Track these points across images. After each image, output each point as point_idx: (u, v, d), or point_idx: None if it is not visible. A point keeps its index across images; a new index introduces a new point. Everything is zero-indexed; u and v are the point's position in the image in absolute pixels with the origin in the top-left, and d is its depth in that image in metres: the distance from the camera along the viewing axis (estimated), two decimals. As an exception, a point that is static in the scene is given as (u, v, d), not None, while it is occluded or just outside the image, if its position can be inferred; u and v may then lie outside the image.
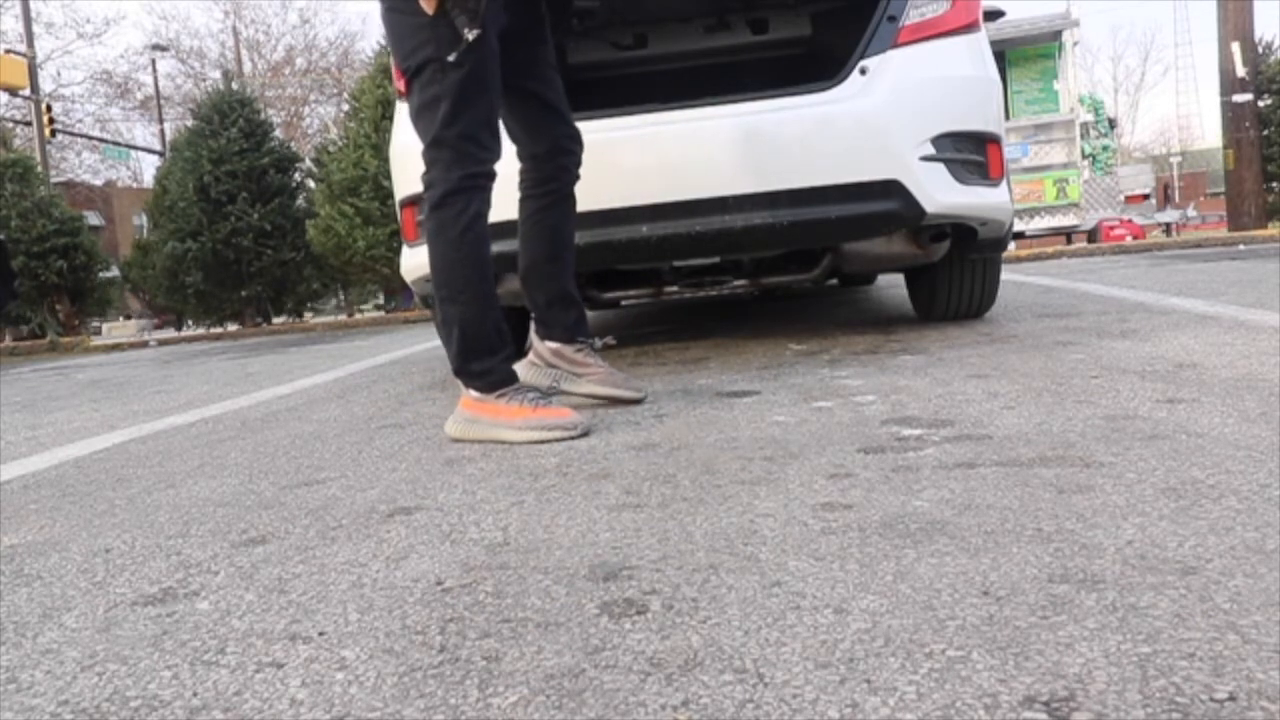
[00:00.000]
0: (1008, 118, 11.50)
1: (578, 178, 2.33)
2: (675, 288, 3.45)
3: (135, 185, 32.93)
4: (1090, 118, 17.37)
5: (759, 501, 1.37)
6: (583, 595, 1.07)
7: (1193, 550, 1.03)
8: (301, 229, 12.38)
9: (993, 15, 5.95)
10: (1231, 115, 12.60)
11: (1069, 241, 14.03)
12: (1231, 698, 0.73)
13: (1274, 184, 13.90)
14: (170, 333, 15.23)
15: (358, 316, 14.46)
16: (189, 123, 14.63)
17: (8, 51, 18.05)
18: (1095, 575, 0.99)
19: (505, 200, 2.16)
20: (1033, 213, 13.12)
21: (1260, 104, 13.11)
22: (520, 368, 2.36)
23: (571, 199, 2.34)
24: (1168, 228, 22.42)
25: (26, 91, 18.60)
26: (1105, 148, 18.22)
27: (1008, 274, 6.61)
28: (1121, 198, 16.76)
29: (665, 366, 3.02)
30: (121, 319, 17.20)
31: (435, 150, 2.04)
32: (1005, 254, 4.38)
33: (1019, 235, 12.71)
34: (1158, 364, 2.22)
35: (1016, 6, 8.55)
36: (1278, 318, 2.85)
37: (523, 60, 2.20)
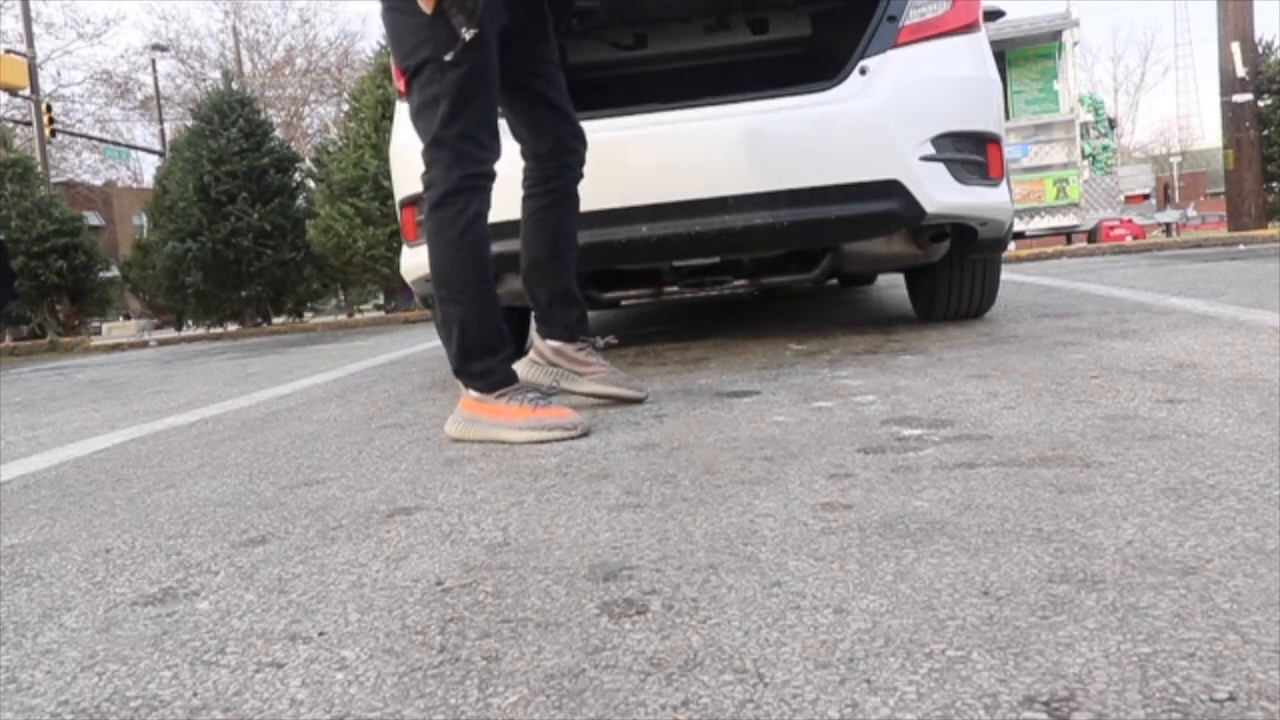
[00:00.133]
0: (1008, 118, 11.51)
1: (581, 176, 2.33)
2: (675, 288, 3.45)
3: (135, 185, 32.94)
4: (1090, 118, 17.37)
5: (759, 501, 1.37)
6: (583, 595, 1.07)
7: (1193, 550, 1.03)
8: (301, 229, 12.38)
9: (993, 15, 5.95)
10: (1231, 115, 12.60)
11: (1069, 241, 14.03)
12: (1231, 698, 0.73)
13: (1274, 184, 13.90)
14: (170, 333, 15.23)
15: (358, 316, 14.46)
16: (189, 123, 14.63)
17: (8, 51, 18.05)
18: (1095, 575, 0.99)
19: (505, 200, 2.16)
20: (1033, 213, 13.12)
21: (1260, 104, 13.10)
22: (521, 366, 2.36)
23: (575, 197, 2.33)
24: (1168, 228, 22.42)
25: (26, 91, 18.60)
26: (1105, 148, 18.22)
27: (1008, 274, 6.61)
28: (1121, 198, 16.77)
29: (665, 366, 3.01)
30: (121, 319, 17.21)
31: (435, 150, 2.04)
32: (1005, 254, 4.38)
33: (1019, 235, 12.72)
34: (1158, 364, 2.22)
35: (1016, 6, 8.55)
36: (1278, 318, 2.85)
37: (525, 58, 2.20)
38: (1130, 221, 19.42)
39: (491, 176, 2.08)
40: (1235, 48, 12.30)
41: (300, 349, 6.83)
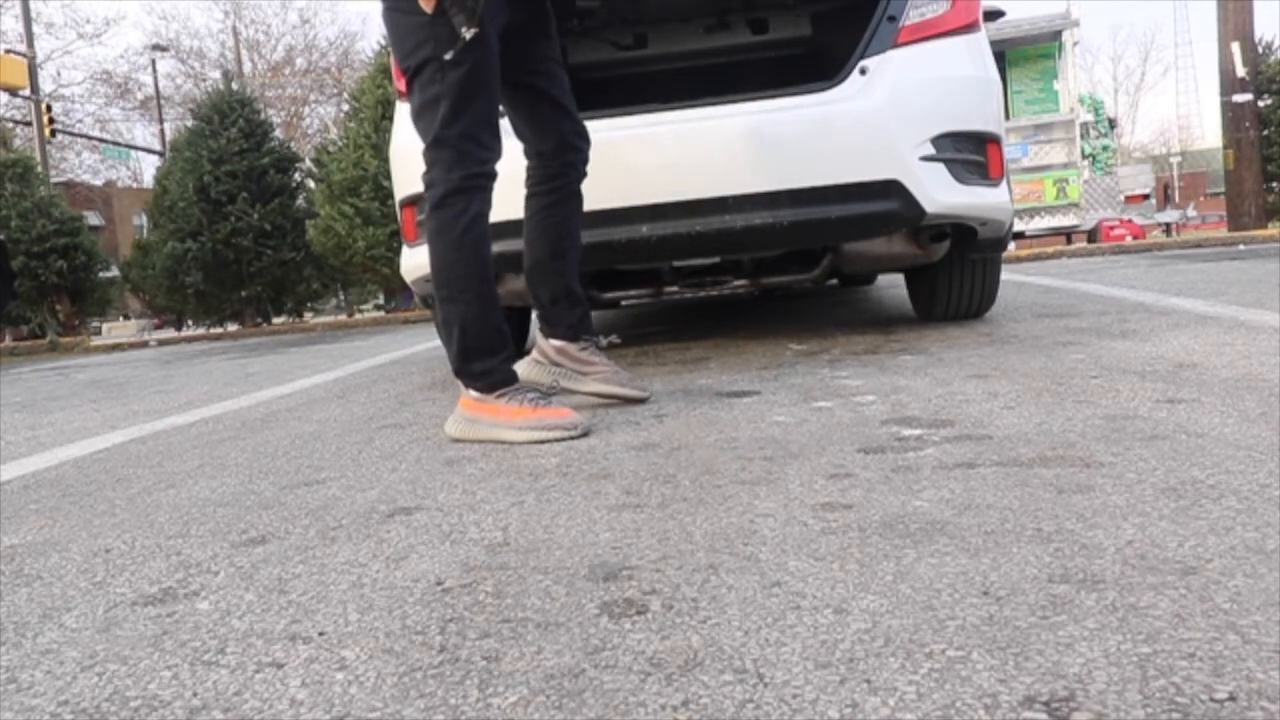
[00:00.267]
0: (1008, 118, 11.51)
1: (585, 175, 2.33)
2: (675, 288, 3.45)
3: (135, 185, 32.95)
4: (1090, 118, 17.38)
5: (759, 501, 1.37)
6: (583, 595, 1.07)
7: (1193, 550, 1.03)
8: (301, 229, 12.38)
9: (993, 15, 5.95)
10: (1231, 115, 12.60)
11: (1069, 241, 14.04)
12: (1231, 698, 0.73)
13: (1274, 184, 13.90)
14: (170, 333, 15.23)
15: (358, 316, 14.46)
16: (189, 123, 14.63)
17: (8, 51, 18.05)
18: (1095, 575, 0.99)
19: (506, 199, 2.16)
20: (1033, 213, 13.12)
21: (1260, 104, 13.11)
22: (524, 366, 2.35)
23: (578, 196, 2.33)
24: (1168, 228, 22.42)
25: (26, 91, 18.61)
26: (1105, 148, 18.22)
27: (1008, 274, 6.61)
28: (1121, 198, 16.77)
29: (665, 366, 3.01)
30: (121, 319, 17.21)
31: (436, 150, 2.04)
32: (1005, 254, 4.38)
33: (1019, 235, 12.72)
34: (1158, 364, 2.22)
35: (1016, 6, 8.55)
36: (1278, 318, 2.85)
37: (527, 56, 2.20)
38: (1130, 221, 19.42)
39: (493, 176, 2.08)
40: (1235, 48, 12.30)
41: (300, 349, 6.83)
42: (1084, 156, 15.13)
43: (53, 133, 19.42)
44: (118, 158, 29.49)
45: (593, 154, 2.34)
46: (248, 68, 31.61)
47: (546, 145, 2.27)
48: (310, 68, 33.24)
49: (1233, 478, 1.28)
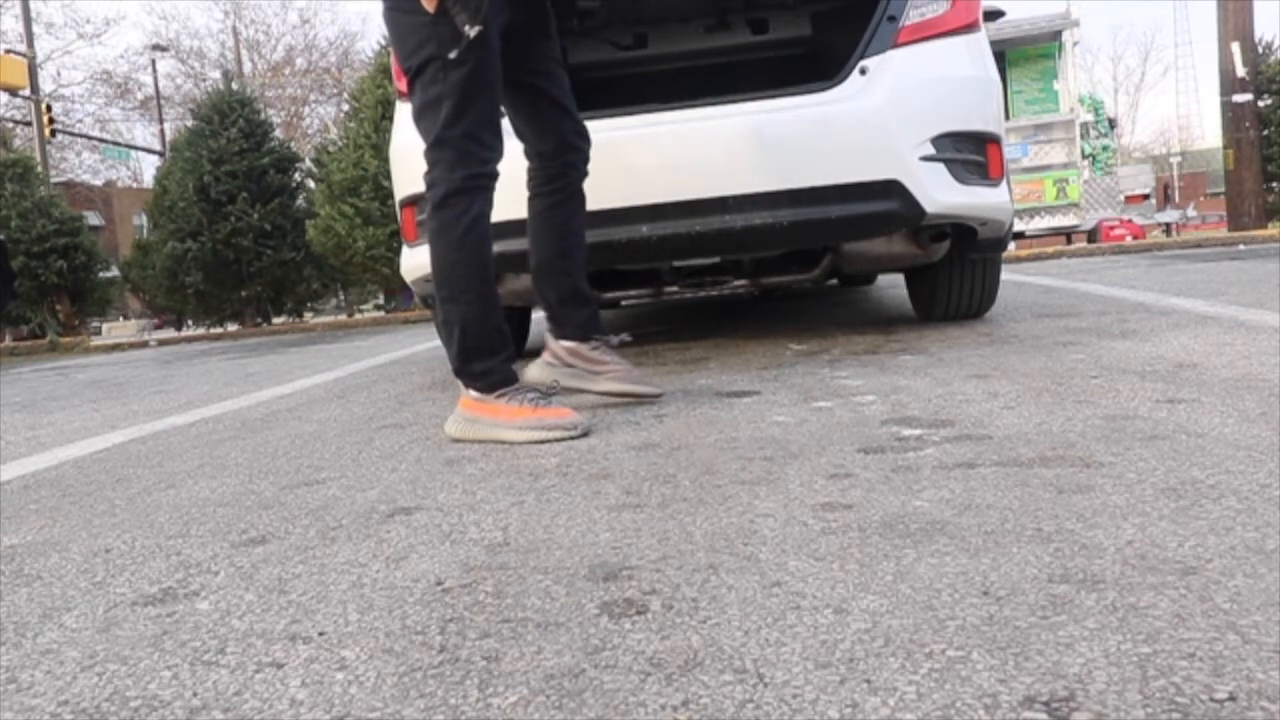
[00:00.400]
0: (1008, 118, 11.51)
1: (586, 174, 2.33)
2: (675, 288, 3.45)
3: (135, 185, 32.96)
4: (1090, 118, 17.37)
5: (759, 501, 1.37)
6: (583, 595, 1.07)
7: (1193, 550, 1.03)
8: (301, 229, 12.38)
9: (993, 15, 5.95)
10: (1231, 115, 12.60)
11: (1069, 241, 14.04)
12: (1231, 698, 0.73)
13: (1274, 184, 13.90)
14: (170, 333, 15.23)
15: (358, 316, 14.46)
16: (189, 123, 14.63)
17: (8, 51, 18.05)
18: (1095, 575, 0.99)
19: (507, 199, 2.15)
20: (1033, 213, 13.12)
21: (1260, 104, 13.11)
22: (536, 368, 2.35)
23: (580, 195, 2.33)
24: (1168, 228, 22.42)
25: (26, 91, 18.61)
26: (1105, 148, 18.22)
27: (1008, 274, 6.61)
28: (1121, 198, 16.77)
29: (665, 366, 3.01)
30: (120, 319, 17.21)
31: (438, 150, 2.04)
32: (1005, 254, 4.38)
33: (1019, 235, 12.72)
34: (1158, 364, 2.22)
35: (1016, 6, 8.55)
36: (1278, 318, 2.85)
37: (527, 55, 2.20)
38: (1130, 221, 19.42)
39: (494, 176, 2.08)
40: (1235, 48, 12.30)
41: (300, 349, 6.83)
42: (1084, 156, 15.13)
43: (53, 133, 19.42)
44: (118, 158, 29.49)
45: (593, 154, 2.34)
46: (248, 68, 31.61)
47: (547, 145, 2.27)
48: (310, 68, 33.26)
49: (1233, 478, 1.28)
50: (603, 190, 2.52)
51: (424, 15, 1.95)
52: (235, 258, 12.89)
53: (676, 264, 3.20)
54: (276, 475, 1.92)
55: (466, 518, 1.44)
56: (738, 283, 3.43)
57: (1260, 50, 13.57)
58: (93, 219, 22.21)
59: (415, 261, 3.06)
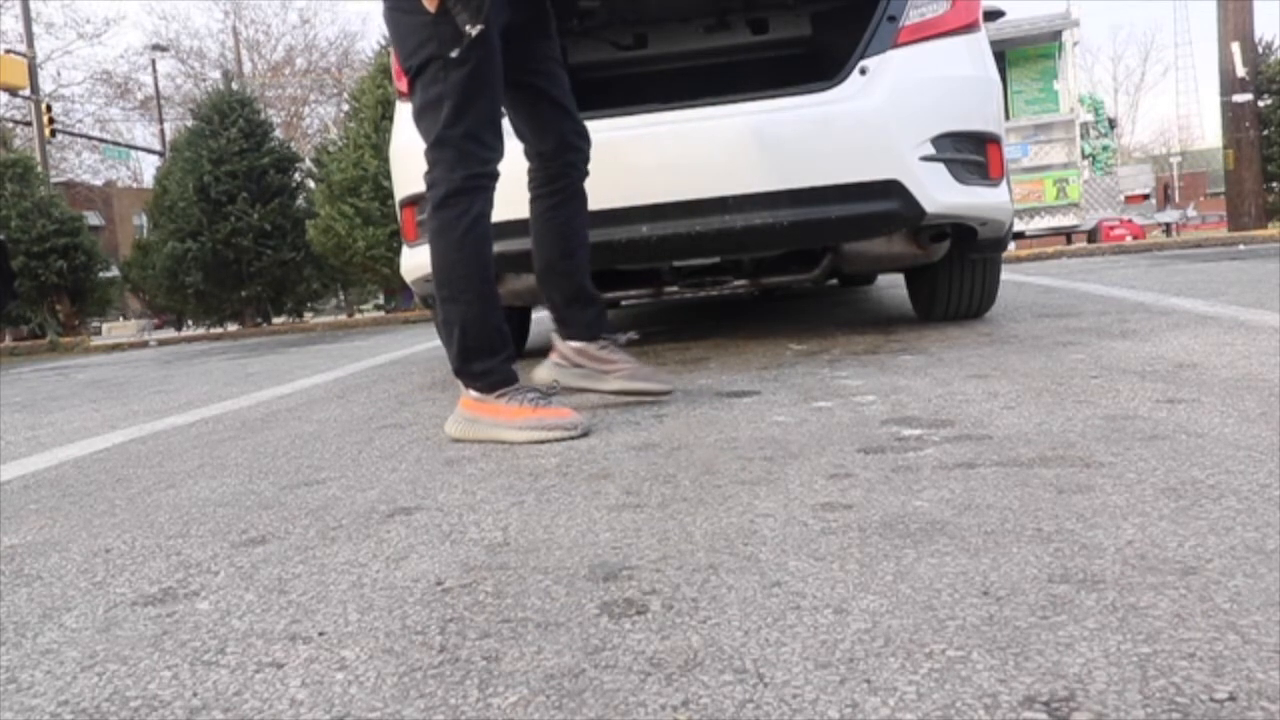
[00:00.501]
0: (1008, 118, 11.51)
1: (587, 174, 2.32)
2: (675, 288, 3.45)
3: (135, 185, 32.96)
4: (1090, 118, 17.37)
5: (759, 501, 1.37)
6: (583, 595, 1.07)
7: (1193, 550, 1.03)
8: (301, 229, 12.38)
9: (993, 15, 5.95)
10: (1231, 115, 12.60)
11: (1069, 241, 14.04)
12: (1231, 698, 0.73)
13: (1274, 184, 13.90)
14: (170, 333, 15.23)
15: (358, 316, 14.46)
16: (189, 123, 14.64)
17: (8, 51, 18.05)
18: (1095, 575, 0.99)
19: (507, 199, 2.15)
20: (1033, 213, 13.13)
21: (1260, 104, 13.11)
22: (545, 369, 2.34)
23: (582, 195, 2.32)
24: (1168, 228, 22.42)
25: (26, 91, 18.61)
26: (1105, 148, 18.22)
27: (1008, 274, 6.61)
28: (1121, 198, 16.77)
29: (665, 366, 3.01)
30: (121, 319, 17.21)
31: (438, 150, 2.04)
32: (1005, 254, 4.38)
33: (1019, 235, 12.72)
34: (1158, 364, 2.22)
35: (1016, 6, 8.55)
36: (1278, 318, 2.85)
37: (527, 55, 2.20)
38: (1130, 221, 19.42)
39: (495, 176, 2.08)
40: (1235, 48, 12.30)
41: (300, 349, 6.83)
42: (1084, 156, 15.13)
43: (53, 133, 19.42)
44: (118, 158, 29.50)
45: (593, 154, 2.34)
46: (248, 68, 31.62)
47: (547, 145, 2.27)
48: (310, 68, 33.26)
49: (1233, 478, 1.28)
50: (603, 190, 2.52)
51: (425, 15, 1.95)
52: (235, 258, 12.89)
53: (676, 264, 3.20)
54: (276, 475, 1.92)
55: (466, 518, 1.44)
56: (738, 283, 3.43)
57: (1260, 50, 13.57)
58: (93, 219, 22.22)
59: (415, 261, 3.06)
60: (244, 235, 12.75)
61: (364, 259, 11.15)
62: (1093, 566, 1.01)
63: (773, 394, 2.30)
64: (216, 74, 23.74)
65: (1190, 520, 1.13)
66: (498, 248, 2.14)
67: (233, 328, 13.14)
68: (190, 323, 15.62)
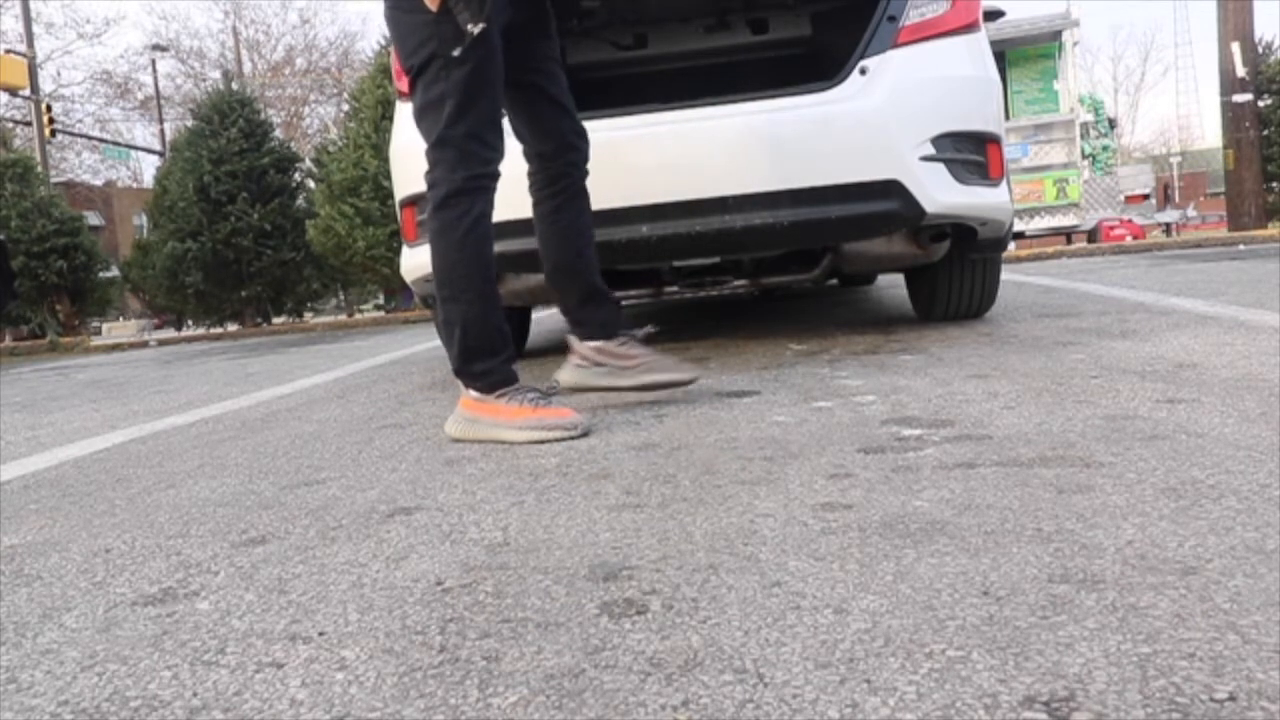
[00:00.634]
0: (1008, 118, 11.51)
1: (587, 173, 2.32)
2: (675, 288, 3.45)
3: (135, 185, 32.97)
4: (1090, 118, 17.38)
5: (759, 501, 1.37)
6: (583, 595, 1.07)
7: (1193, 550, 1.03)
8: (301, 229, 12.38)
9: (993, 15, 5.96)
10: (1231, 115, 12.60)
11: (1069, 241, 14.04)
12: (1231, 698, 0.73)
13: (1274, 184, 13.90)
14: (170, 333, 15.23)
15: (358, 316, 14.46)
16: (189, 123, 14.64)
17: (8, 51, 18.05)
18: (1095, 575, 0.99)
19: (507, 199, 2.15)
20: (1033, 213, 13.13)
21: (1260, 104, 13.11)
22: (567, 372, 2.32)
23: (585, 194, 2.31)
24: (1168, 228, 22.43)
25: (26, 91, 18.61)
26: (1105, 148, 18.23)
27: (1008, 274, 6.61)
28: (1121, 198, 16.78)
29: (665, 366, 3.01)
30: (120, 319, 17.21)
31: (439, 150, 2.04)
32: (1005, 254, 4.38)
33: (1019, 235, 12.72)
34: (1158, 364, 2.22)
35: (1016, 6, 8.55)
36: (1278, 318, 2.85)
37: (527, 55, 2.19)
38: (1130, 221, 19.42)
39: (496, 177, 2.08)
40: (1235, 48, 12.30)
41: (300, 349, 6.83)
42: (1084, 156, 15.13)
43: (53, 133, 19.42)
44: (118, 158, 29.50)
45: (593, 154, 2.34)
46: (248, 68, 31.62)
47: (546, 146, 2.26)
48: (310, 68, 33.26)
49: (1233, 478, 1.28)
50: (603, 190, 2.53)
51: (426, 14, 1.95)
52: (235, 258, 12.89)
53: (676, 264, 3.20)
54: (276, 475, 1.92)
55: (466, 518, 1.44)
56: (738, 283, 3.43)
57: (1260, 50, 13.57)
58: (93, 219, 22.22)
59: (415, 261, 3.06)
60: (244, 235, 12.75)
61: (364, 259, 11.15)
62: (1093, 566, 1.01)
63: (773, 394, 2.30)
64: (216, 74, 23.76)
65: (1190, 520, 1.13)
66: (498, 248, 2.13)
67: (233, 328, 13.15)
68: (190, 323, 15.62)
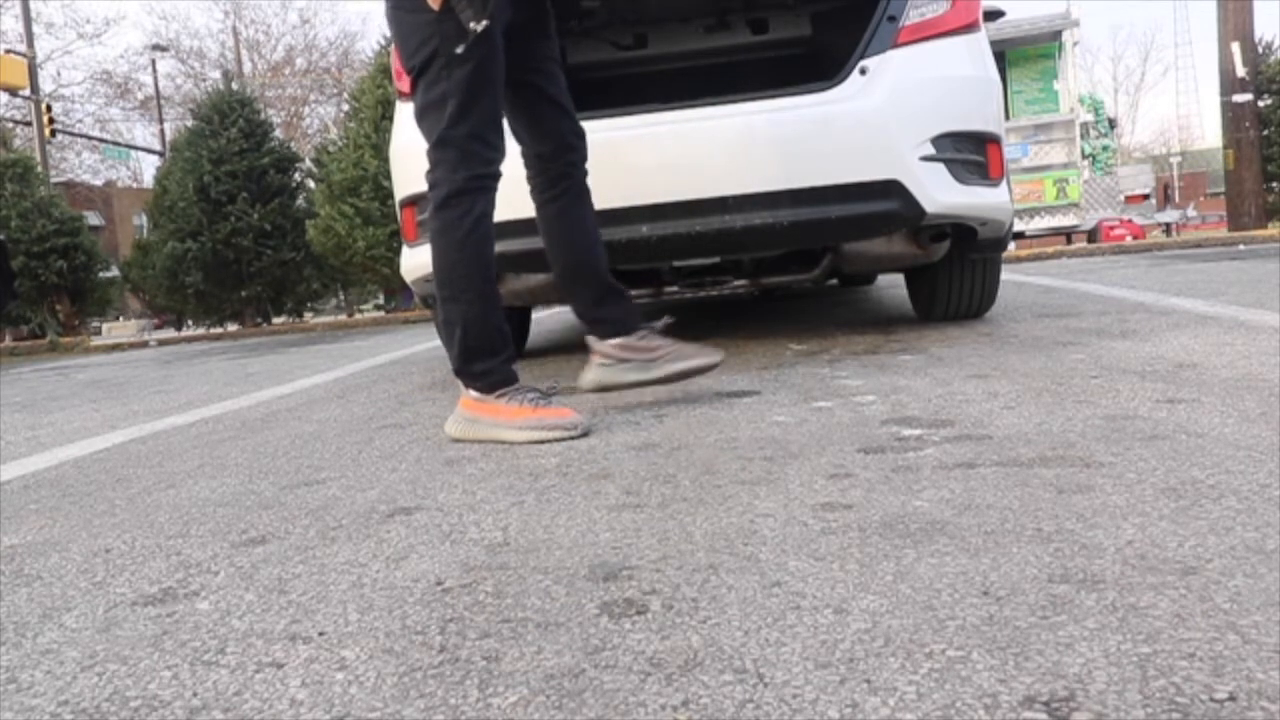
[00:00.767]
0: (1008, 118, 11.51)
1: (587, 172, 2.31)
2: (675, 288, 3.45)
3: (135, 185, 32.97)
4: (1090, 118, 17.38)
5: (759, 501, 1.37)
6: (583, 595, 1.07)
7: (1193, 550, 1.03)
8: (301, 229, 12.38)
9: (993, 15, 5.95)
10: (1231, 115, 12.60)
11: (1069, 241, 14.04)
12: (1231, 698, 0.73)
13: (1274, 184, 13.90)
14: (170, 333, 15.23)
15: (358, 316, 14.46)
16: (189, 123, 14.63)
17: (8, 51, 18.05)
18: (1095, 575, 0.99)
19: (507, 199, 2.15)
20: (1033, 213, 13.13)
21: (1260, 104, 13.11)
22: (592, 372, 2.29)
23: (588, 191, 2.29)
24: (1168, 228, 22.43)
25: (26, 91, 18.61)
26: (1105, 148, 18.23)
27: (1008, 274, 6.61)
28: (1121, 198, 16.78)
29: (665, 366, 3.01)
30: (120, 319, 17.21)
31: (441, 150, 2.03)
32: (1005, 254, 4.38)
33: (1019, 235, 12.72)
34: (1158, 364, 2.22)
35: (1016, 6, 8.55)
36: (1278, 318, 2.85)
37: (527, 54, 2.19)
38: (1130, 221, 19.42)
39: (497, 177, 2.08)
40: (1235, 48, 12.30)
41: (300, 349, 6.83)
42: (1084, 156, 15.13)
43: (53, 133, 19.42)
44: (118, 158, 29.50)
45: (593, 154, 2.33)
46: (248, 68, 31.62)
47: (546, 147, 2.25)
48: (310, 68, 33.26)
49: (1233, 478, 1.28)
50: (603, 190, 2.53)
51: (428, 13, 1.95)
52: (235, 258, 12.89)
53: (676, 264, 3.20)
54: (276, 475, 1.92)
55: (466, 518, 1.44)
56: (738, 283, 3.43)
57: (1260, 50, 13.57)
58: (93, 219, 22.22)
59: (415, 261, 3.06)
60: (244, 235, 12.75)
61: (364, 259, 11.15)
62: (1093, 566, 1.01)
63: (773, 394, 2.30)
64: (216, 74, 23.76)
65: (1190, 520, 1.13)
66: (499, 248, 2.13)
67: (233, 328, 13.14)
68: (190, 323, 15.61)
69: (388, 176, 4.63)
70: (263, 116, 14.12)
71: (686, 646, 0.91)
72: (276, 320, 13.68)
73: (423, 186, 2.11)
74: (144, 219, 17.13)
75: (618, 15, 3.75)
